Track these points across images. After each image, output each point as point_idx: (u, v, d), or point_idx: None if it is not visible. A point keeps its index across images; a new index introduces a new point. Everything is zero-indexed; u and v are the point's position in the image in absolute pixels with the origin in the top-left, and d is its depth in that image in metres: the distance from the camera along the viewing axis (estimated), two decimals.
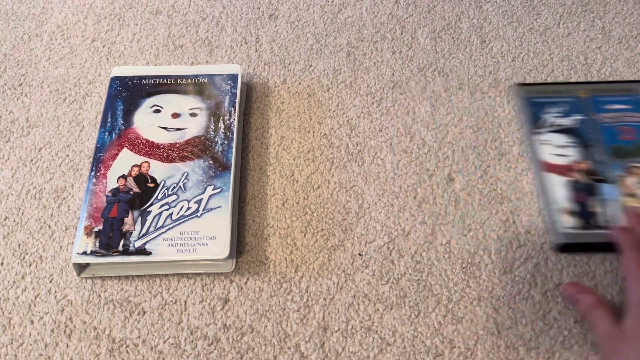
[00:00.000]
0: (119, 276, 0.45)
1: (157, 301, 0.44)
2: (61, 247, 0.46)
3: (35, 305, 0.44)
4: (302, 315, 0.43)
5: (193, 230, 0.44)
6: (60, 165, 0.51)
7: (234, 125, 0.50)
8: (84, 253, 0.43)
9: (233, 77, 0.53)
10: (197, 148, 0.48)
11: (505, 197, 0.49)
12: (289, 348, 0.42)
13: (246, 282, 0.45)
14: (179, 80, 0.52)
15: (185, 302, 0.44)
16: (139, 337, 0.42)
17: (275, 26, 0.61)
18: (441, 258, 0.46)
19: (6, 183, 0.50)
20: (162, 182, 0.46)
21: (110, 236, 0.44)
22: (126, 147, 0.48)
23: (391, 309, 0.43)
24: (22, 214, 0.48)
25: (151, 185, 0.46)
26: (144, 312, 0.43)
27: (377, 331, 0.42)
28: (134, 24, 0.62)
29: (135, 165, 0.47)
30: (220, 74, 0.53)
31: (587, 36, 0.59)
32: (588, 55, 0.58)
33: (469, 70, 0.57)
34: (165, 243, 0.43)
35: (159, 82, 0.52)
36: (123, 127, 0.49)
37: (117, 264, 0.44)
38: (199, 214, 0.45)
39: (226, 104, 0.51)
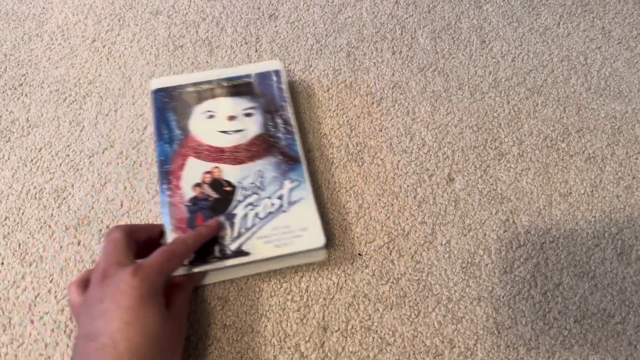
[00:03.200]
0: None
1: None
2: (61, 247, 0.46)
3: (35, 305, 0.44)
4: (302, 315, 0.43)
5: (284, 225, 0.44)
6: (60, 165, 0.51)
7: (290, 118, 0.50)
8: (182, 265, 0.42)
9: (276, 73, 0.53)
10: (262, 146, 0.48)
11: (505, 197, 0.49)
12: (289, 348, 0.42)
13: (246, 282, 0.45)
14: (223, 84, 0.52)
15: None
16: None
17: (275, 26, 0.61)
18: (441, 258, 0.46)
19: (6, 183, 0.50)
20: (238, 184, 0.46)
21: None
22: (191, 156, 0.47)
23: (391, 309, 0.43)
24: (22, 214, 0.48)
25: (228, 189, 0.46)
26: None
27: (377, 331, 0.42)
28: (134, 24, 0.62)
29: (207, 172, 0.46)
30: (263, 72, 0.53)
31: (587, 36, 0.59)
32: (588, 55, 0.58)
33: (469, 70, 0.57)
34: (260, 241, 0.43)
35: (204, 87, 0.52)
36: (182, 137, 0.49)
37: (216, 270, 0.43)
38: (284, 208, 0.44)
39: (277, 99, 0.51)
